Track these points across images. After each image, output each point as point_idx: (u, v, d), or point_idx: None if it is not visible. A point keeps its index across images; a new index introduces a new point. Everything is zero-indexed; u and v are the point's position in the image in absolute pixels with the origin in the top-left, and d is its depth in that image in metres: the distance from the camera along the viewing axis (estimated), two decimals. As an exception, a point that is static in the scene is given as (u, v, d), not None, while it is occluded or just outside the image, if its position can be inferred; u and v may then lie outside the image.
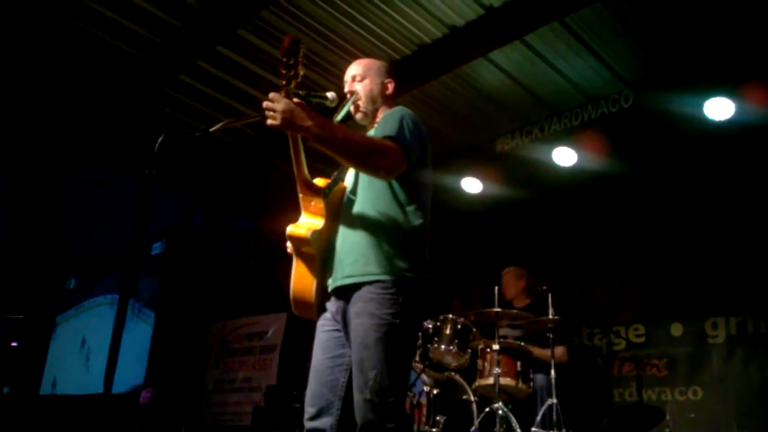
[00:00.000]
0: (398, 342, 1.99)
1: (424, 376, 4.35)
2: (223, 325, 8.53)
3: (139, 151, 5.96)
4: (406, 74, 4.85)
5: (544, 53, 4.73)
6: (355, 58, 4.81)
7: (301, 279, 2.13)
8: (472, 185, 5.85)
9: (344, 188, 2.24)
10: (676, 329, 5.06)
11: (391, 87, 2.39)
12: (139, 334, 8.95)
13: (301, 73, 1.99)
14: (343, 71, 5.06)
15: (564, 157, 5.30)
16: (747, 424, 4.48)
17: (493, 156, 5.76)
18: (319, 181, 2.24)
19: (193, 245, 9.07)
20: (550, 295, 4.41)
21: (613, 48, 4.65)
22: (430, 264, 2.15)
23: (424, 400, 4.15)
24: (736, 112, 4.42)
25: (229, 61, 5.07)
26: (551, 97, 5.25)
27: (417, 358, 4.43)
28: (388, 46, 4.82)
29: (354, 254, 2.07)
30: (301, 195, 2.19)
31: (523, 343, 4.48)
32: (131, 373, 8.35)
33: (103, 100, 5.63)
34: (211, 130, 2.17)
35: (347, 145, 1.97)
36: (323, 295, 2.16)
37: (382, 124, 2.19)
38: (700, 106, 4.55)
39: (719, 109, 4.48)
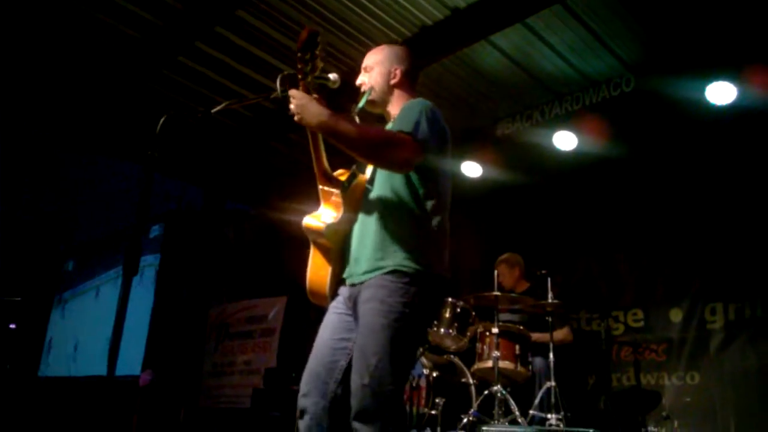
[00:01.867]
0: (405, 331, 1.97)
1: (423, 359, 4.37)
2: (223, 308, 8.55)
3: (139, 134, 5.94)
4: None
5: (545, 36, 4.69)
6: (355, 39, 4.91)
7: (317, 269, 2.16)
8: (472, 169, 5.83)
9: (365, 180, 2.23)
10: (675, 315, 5.07)
11: (398, 74, 2.32)
12: (140, 315, 8.96)
13: (320, 66, 1.99)
14: (342, 52, 5.09)
15: (565, 141, 5.27)
16: (743, 409, 4.51)
17: (494, 140, 5.74)
18: (342, 174, 2.24)
19: (191, 228, 9.06)
20: (549, 279, 4.43)
21: (615, 31, 4.62)
22: (449, 262, 2.14)
23: (423, 382, 4.17)
24: (738, 96, 4.39)
25: (229, 43, 5.03)
26: (552, 81, 5.22)
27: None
28: (388, 27, 4.78)
29: (371, 248, 2.06)
30: (320, 186, 2.19)
31: (522, 327, 4.50)
32: (132, 354, 8.39)
33: (102, 83, 5.58)
34: (212, 111, 2.16)
35: (360, 140, 1.98)
36: (338, 283, 2.18)
37: (398, 118, 2.17)
38: (702, 90, 4.52)
39: (721, 93, 4.45)
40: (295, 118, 1.96)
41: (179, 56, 5.22)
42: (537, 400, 4.20)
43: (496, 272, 4.64)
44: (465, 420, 4.08)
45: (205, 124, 6.14)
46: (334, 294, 2.18)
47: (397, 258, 2.02)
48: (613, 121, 5.10)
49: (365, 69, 2.37)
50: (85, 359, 9.98)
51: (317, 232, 2.11)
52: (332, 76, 2.27)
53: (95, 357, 9.34)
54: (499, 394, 4.03)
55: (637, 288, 5.36)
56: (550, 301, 4.32)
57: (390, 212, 2.09)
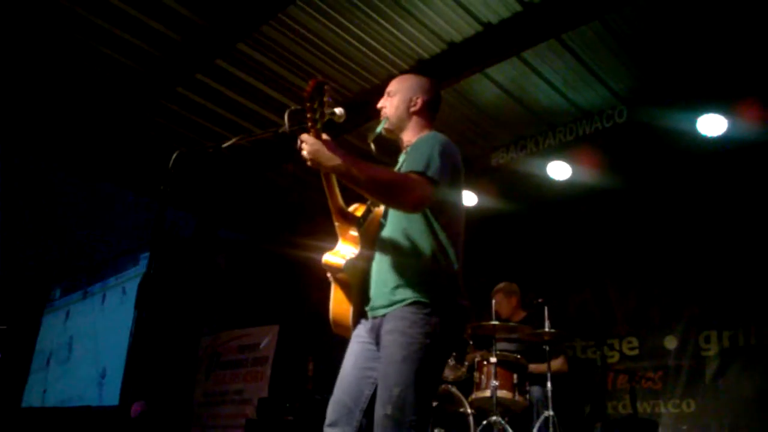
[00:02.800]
0: (426, 362, 2.00)
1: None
2: (215, 337, 8.49)
3: (145, 166, 5.97)
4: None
5: (540, 69, 4.80)
6: (354, 72, 5.00)
7: (339, 304, 2.21)
8: (467, 198, 5.90)
9: (379, 215, 2.27)
10: (670, 342, 5.12)
11: (419, 103, 2.36)
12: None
13: (328, 112, 2.03)
14: (341, 84, 5.17)
15: (558, 170, 5.36)
16: (740, 435, 4.54)
17: (489, 169, 5.83)
18: (357, 209, 2.29)
19: (181, 256, 9.00)
20: (546, 308, 4.47)
21: (608, 64, 4.74)
22: (465, 291, 2.17)
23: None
24: (729, 128, 4.51)
25: (229, 75, 5.10)
26: (546, 113, 5.33)
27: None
28: (387, 61, 4.88)
29: (390, 281, 2.10)
30: (336, 223, 2.24)
31: (519, 356, 4.52)
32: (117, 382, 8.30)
33: (102, 113, 5.63)
34: (223, 146, 2.20)
35: (372, 183, 2.02)
36: (359, 315, 2.22)
37: (411, 154, 2.20)
38: (694, 122, 4.64)
39: (712, 125, 4.57)
40: (308, 163, 2.00)
41: (178, 87, 5.28)
42: (535, 430, 4.20)
43: (493, 301, 4.67)
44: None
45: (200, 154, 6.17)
46: (356, 325, 2.22)
47: (416, 290, 2.06)
48: (606, 151, 5.21)
49: (388, 93, 2.43)
50: (77, 385, 9.77)
51: (337, 269, 2.14)
52: (338, 110, 2.32)
53: (87, 382, 9.21)
54: (497, 424, 4.03)
55: (631, 316, 5.41)
56: (547, 330, 4.35)
57: (406, 245, 2.13)
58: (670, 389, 5.02)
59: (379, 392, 2.00)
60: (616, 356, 5.35)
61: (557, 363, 4.66)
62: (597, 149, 5.22)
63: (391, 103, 2.40)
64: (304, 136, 2.00)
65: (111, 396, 8.52)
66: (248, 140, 2.37)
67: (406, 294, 2.06)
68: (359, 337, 2.20)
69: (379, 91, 4.27)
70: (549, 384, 4.22)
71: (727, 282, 4.89)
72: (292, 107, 2.27)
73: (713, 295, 4.96)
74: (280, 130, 2.28)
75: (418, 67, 4.86)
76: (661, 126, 4.82)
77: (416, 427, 1.93)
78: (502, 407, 4.31)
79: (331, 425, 2.09)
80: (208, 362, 8.45)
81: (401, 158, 2.40)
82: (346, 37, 4.60)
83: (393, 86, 2.43)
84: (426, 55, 4.78)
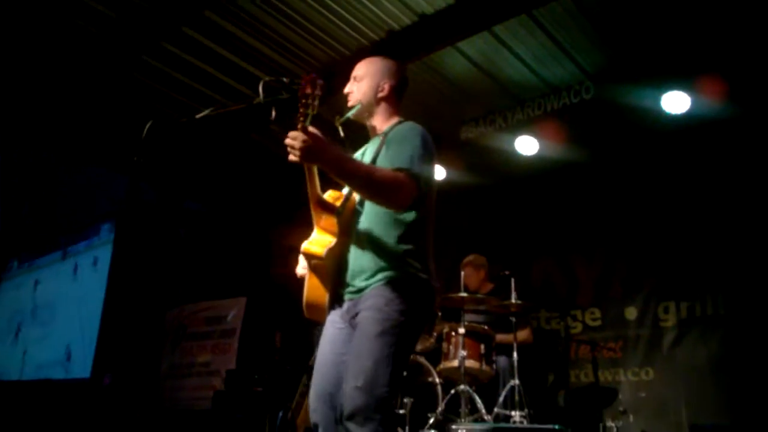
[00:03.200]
0: (400, 338, 2.04)
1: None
2: (180, 310, 8.43)
3: (112, 138, 5.83)
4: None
5: (510, 44, 4.83)
6: (322, 41, 4.95)
7: (314, 290, 2.24)
8: (436, 172, 5.91)
9: (354, 202, 2.28)
10: (630, 313, 5.29)
11: (387, 89, 2.36)
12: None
13: (317, 105, 1.98)
14: (308, 53, 5.11)
15: (526, 145, 5.43)
16: (694, 402, 4.74)
17: (458, 143, 5.85)
18: (332, 194, 2.30)
19: (144, 226, 8.84)
20: (513, 280, 4.56)
21: (577, 41, 4.78)
22: (436, 273, 2.22)
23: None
24: (692, 105, 4.62)
25: (196, 43, 4.99)
26: (515, 87, 5.36)
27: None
28: (357, 32, 4.83)
29: (368, 263, 2.14)
30: (314, 212, 2.25)
31: (486, 327, 4.61)
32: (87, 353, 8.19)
33: (67, 84, 5.46)
34: (197, 117, 2.18)
35: (361, 180, 2.02)
36: (334, 299, 2.25)
37: (393, 146, 2.20)
38: (658, 100, 4.73)
39: (676, 102, 4.67)
40: (294, 156, 1.94)
41: (144, 55, 5.14)
42: (501, 398, 4.32)
43: (462, 273, 4.74)
44: (433, 419, 4.17)
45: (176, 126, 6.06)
46: (330, 310, 2.25)
47: (392, 270, 2.11)
48: (573, 127, 5.28)
49: (355, 78, 2.41)
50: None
51: (318, 257, 2.16)
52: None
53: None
54: (465, 393, 4.13)
55: (594, 288, 5.56)
56: (514, 301, 4.45)
57: (383, 229, 2.16)
58: (629, 358, 5.20)
59: (350, 365, 2.01)
60: (579, 327, 5.50)
61: (523, 334, 4.78)
62: (564, 124, 5.28)
63: (358, 89, 2.39)
64: (294, 133, 1.94)
65: (78, 369, 8.41)
66: (222, 111, 2.34)
67: (383, 274, 2.11)
68: (334, 323, 2.23)
69: (349, 63, 4.27)
70: (515, 354, 4.33)
71: (686, 255, 5.06)
72: (266, 79, 2.26)
73: (672, 267, 5.13)
74: (255, 101, 2.28)
75: (389, 39, 4.84)
76: (626, 103, 4.89)
77: (386, 400, 1.96)
78: (470, 377, 4.40)
79: (314, 410, 2.14)
80: (174, 335, 8.40)
81: (371, 144, 2.40)
82: (316, 6, 4.53)
83: (359, 70, 2.41)
84: (396, 27, 4.75)
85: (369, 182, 2.04)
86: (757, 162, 4.73)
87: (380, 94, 2.36)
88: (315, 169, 2.17)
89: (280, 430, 3.56)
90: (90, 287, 8.93)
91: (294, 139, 1.92)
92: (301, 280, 2.34)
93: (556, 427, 3.53)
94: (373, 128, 2.41)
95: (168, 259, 8.45)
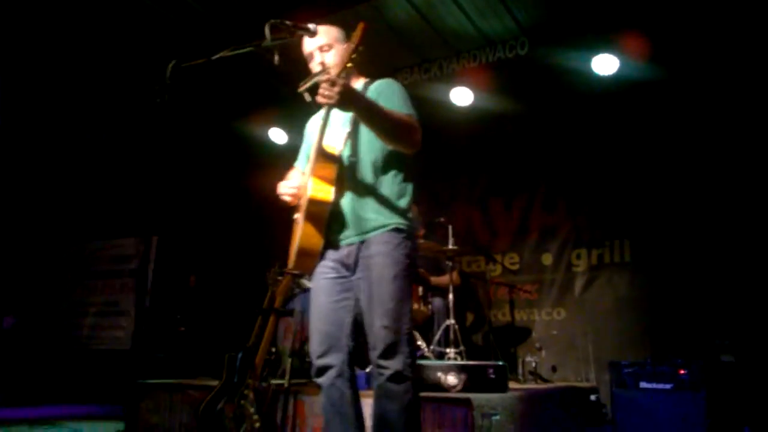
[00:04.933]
0: (408, 278, 2.23)
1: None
2: (82, 247, 8.02)
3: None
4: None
5: (453, -10, 4.88)
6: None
7: (309, 238, 2.28)
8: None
9: (351, 152, 2.35)
10: (546, 259, 5.72)
11: (351, 49, 2.42)
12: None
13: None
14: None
15: (461, 96, 5.58)
16: (599, 337, 5.29)
17: (391, 90, 5.88)
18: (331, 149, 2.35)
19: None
20: (450, 227, 4.78)
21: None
22: None
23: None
24: (621, 67, 4.95)
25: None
26: (453, 37, 5.46)
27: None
28: (304, -35, 4.68)
29: (369, 212, 2.27)
30: (314, 160, 2.30)
31: (422, 270, 4.83)
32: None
33: None
34: (213, 58, 2.13)
35: (390, 123, 2.19)
36: (327, 246, 2.32)
37: (388, 99, 2.30)
38: (589, 61, 5.03)
39: (605, 64, 4.98)
40: (330, 100, 2.01)
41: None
42: (437, 337, 4.59)
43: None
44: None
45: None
46: (322, 257, 2.33)
47: (395, 218, 2.27)
48: (507, 80, 5.49)
49: (321, 48, 2.44)
50: None
51: (326, 203, 2.24)
52: (311, 26, 2.33)
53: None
54: (404, 333, 4.33)
55: (513, 234, 5.93)
56: (451, 247, 4.68)
57: (381, 179, 2.32)
58: (544, 300, 5.66)
59: (372, 308, 2.16)
60: (499, 270, 5.87)
61: (454, 277, 5.04)
62: (499, 77, 5.47)
63: (332, 56, 2.43)
64: (332, 79, 2.02)
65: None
66: (238, 52, 2.30)
67: (387, 221, 2.25)
68: (324, 274, 2.33)
69: None
70: (450, 296, 4.59)
71: (598, 207, 5.51)
72: (271, 21, 2.22)
73: (585, 218, 5.57)
74: (263, 44, 2.23)
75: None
76: (558, 62, 5.16)
77: (410, 333, 2.17)
78: (407, 317, 4.61)
79: (322, 355, 2.24)
80: (75, 272, 8.00)
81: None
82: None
83: (325, 40, 2.45)
84: (347, -34, 4.66)
85: (396, 124, 2.21)
86: (670, 123, 5.18)
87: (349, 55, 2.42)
88: (330, 119, 2.29)
89: (240, 369, 3.58)
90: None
91: (332, 85, 2.00)
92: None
93: (500, 363, 3.82)
94: None
95: (70, 192, 7.91)
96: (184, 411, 4.25)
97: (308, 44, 2.47)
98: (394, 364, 2.10)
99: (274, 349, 4.05)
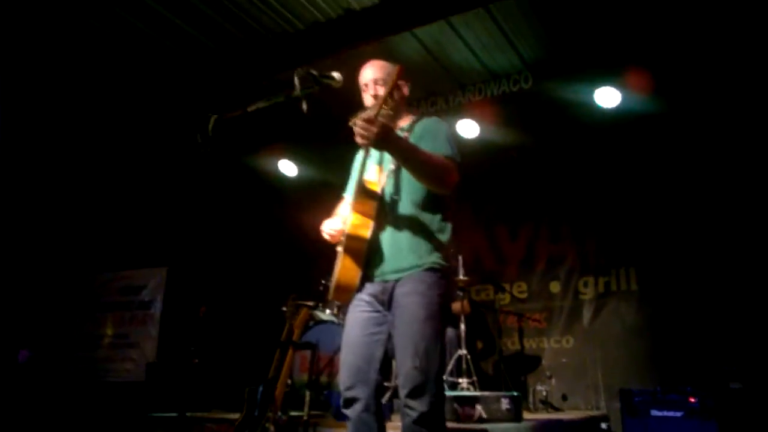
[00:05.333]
0: (442, 318, 2.26)
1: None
2: (93, 278, 8.08)
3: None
4: (330, 38, 4.95)
5: (461, 31, 5.04)
6: (278, 14, 4.89)
7: (347, 271, 2.35)
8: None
9: (392, 189, 2.43)
10: (554, 287, 5.81)
11: (406, 91, 2.57)
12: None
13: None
14: (262, 25, 5.03)
15: (467, 128, 5.72)
16: (608, 364, 5.36)
17: (398, 124, 6.03)
18: (371, 184, 2.43)
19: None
20: (460, 257, 4.88)
21: (521, 30, 5.07)
22: None
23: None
24: (623, 100, 5.10)
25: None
26: (458, 72, 5.62)
27: (342, 317, 4.69)
28: (314, 6, 4.82)
29: (406, 250, 2.32)
30: (355, 196, 2.41)
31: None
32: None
33: None
34: (249, 110, 2.25)
35: (426, 166, 2.25)
36: (364, 280, 2.38)
37: (431, 138, 2.39)
38: (591, 94, 5.18)
39: (608, 97, 5.13)
40: (365, 141, 2.10)
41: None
42: (449, 367, 4.65)
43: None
44: (390, 390, 4.39)
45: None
46: (359, 291, 2.39)
47: (431, 257, 2.31)
48: (511, 113, 5.63)
49: (376, 81, 2.53)
50: None
51: (364, 239, 2.32)
52: (336, 75, 2.43)
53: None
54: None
55: (520, 263, 6.03)
56: (461, 277, 4.76)
57: (419, 216, 2.36)
58: (553, 328, 5.74)
59: (403, 348, 2.21)
60: (507, 298, 5.95)
61: (464, 306, 5.12)
62: (503, 110, 5.62)
63: (385, 91, 2.54)
64: (369, 119, 2.10)
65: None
66: (269, 103, 2.41)
67: (423, 260, 2.29)
68: (359, 307, 2.39)
69: (300, 37, 4.30)
70: (462, 325, 4.66)
71: (605, 236, 5.62)
72: (300, 71, 2.34)
73: (592, 247, 5.67)
74: (294, 94, 2.34)
75: (346, 17, 4.89)
76: (562, 95, 5.31)
77: (439, 374, 2.20)
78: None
79: (349, 388, 2.30)
80: (86, 304, 8.06)
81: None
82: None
83: (380, 74, 2.54)
84: (356, 6, 4.80)
85: (433, 166, 2.27)
86: (672, 153, 5.31)
87: (405, 95, 2.56)
88: (372, 153, 2.40)
89: (261, 403, 3.65)
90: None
91: (369, 124, 2.08)
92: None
93: (515, 393, 3.89)
94: (394, 124, 2.56)
95: (81, 224, 7.98)
96: (202, 445, 4.30)
97: (365, 76, 2.56)
98: (420, 406, 2.15)
99: (289, 382, 4.13)
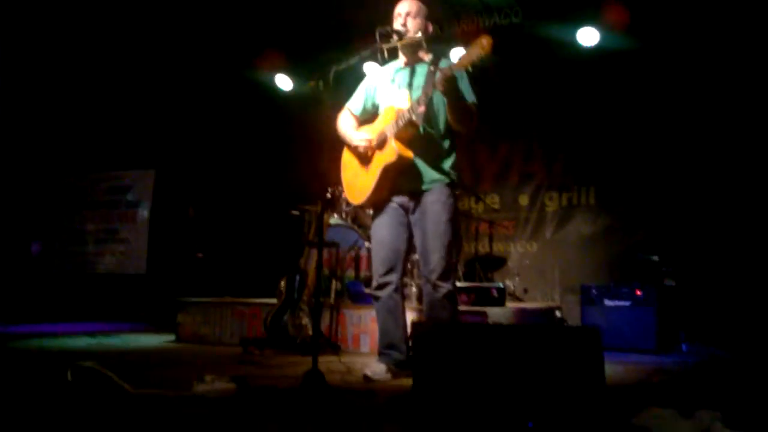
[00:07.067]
0: (457, 222, 3.20)
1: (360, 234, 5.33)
2: (82, 176, 8.36)
3: None
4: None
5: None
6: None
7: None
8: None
9: (424, 123, 3.12)
10: (523, 199, 6.68)
11: (431, 29, 3.25)
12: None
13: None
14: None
15: (457, 56, 6.27)
16: (565, 266, 6.34)
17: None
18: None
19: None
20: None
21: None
22: None
23: (364, 252, 5.15)
24: (602, 39, 5.81)
25: None
26: (457, 2, 6.13)
27: (350, 221, 5.38)
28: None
29: (432, 167, 3.11)
30: (398, 128, 3.06)
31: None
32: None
33: None
34: (339, 68, 2.93)
35: (468, 111, 3.03)
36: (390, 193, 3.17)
37: (463, 86, 3.08)
38: (574, 33, 5.85)
39: (588, 36, 5.82)
40: (440, 86, 2.82)
41: None
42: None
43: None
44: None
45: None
46: (389, 201, 3.19)
47: (450, 174, 3.14)
48: (500, 44, 6.18)
49: (409, 14, 3.17)
50: None
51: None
52: (401, 29, 3.25)
53: None
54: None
55: (495, 177, 6.83)
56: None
57: (443, 144, 3.16)
58: (519, 234, 6.65)
59: (431, 242, 3.03)
60: (481, 207, 6.76)
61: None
62: (493, 41, 6.17)
63: (415, 23, 3.20)
64: (447, 69, 2.85)
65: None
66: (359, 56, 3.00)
67: (444, 177, 3.11)
68: (389, 212, 3.18)
69: None
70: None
71: (570, 157, 6.44)
72: (379, 28, 2.96)
73: (559, 166, 6.51)
74: (372, 50, 3.02)
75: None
76: (546, 32, 5.94)
77: (456, 264, 3.26)
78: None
79: (384, 274, 3.14)
80: (75, 202, 8.35)
81: (419, 67, 3.24)
82: None
83: (413, 8, 3.21)
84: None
85: (468, 112, 3.03)
86: (637, 89, 6.05)
87: (429, 32, 3.26)
88: (396, 79, 3.22)
89: (298, 289, 4.35)
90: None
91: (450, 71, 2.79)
92: None
93: (500, 285, 4.78)
94: (415, 57, 3.25)
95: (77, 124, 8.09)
96: (234, 323, 5.00)
97: (400, 7, 3.21)
98: (448, 285, 3.02)
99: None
